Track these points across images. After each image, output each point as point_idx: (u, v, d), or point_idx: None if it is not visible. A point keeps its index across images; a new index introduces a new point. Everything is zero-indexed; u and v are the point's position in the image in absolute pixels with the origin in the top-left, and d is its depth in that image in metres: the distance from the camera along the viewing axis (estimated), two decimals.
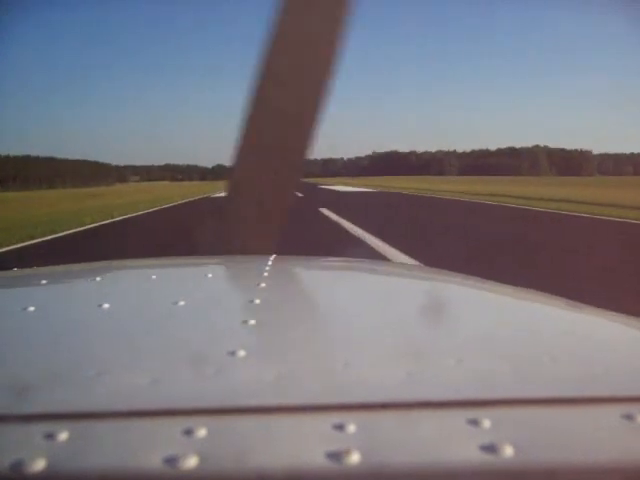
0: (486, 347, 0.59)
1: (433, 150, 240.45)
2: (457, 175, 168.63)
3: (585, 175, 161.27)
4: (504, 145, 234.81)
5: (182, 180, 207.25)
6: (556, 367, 0.53)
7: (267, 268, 0.98)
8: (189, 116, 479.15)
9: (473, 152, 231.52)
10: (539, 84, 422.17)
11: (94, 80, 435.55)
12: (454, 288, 1.04)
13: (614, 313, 0.81)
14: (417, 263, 6.37)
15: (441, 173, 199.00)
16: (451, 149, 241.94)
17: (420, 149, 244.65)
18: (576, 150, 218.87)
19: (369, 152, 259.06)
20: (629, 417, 0.41)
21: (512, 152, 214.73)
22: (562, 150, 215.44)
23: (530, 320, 0.77)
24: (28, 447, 0.37)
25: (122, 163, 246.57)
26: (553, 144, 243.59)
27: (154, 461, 0.35)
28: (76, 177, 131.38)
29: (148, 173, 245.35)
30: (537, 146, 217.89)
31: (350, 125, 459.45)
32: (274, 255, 1.15)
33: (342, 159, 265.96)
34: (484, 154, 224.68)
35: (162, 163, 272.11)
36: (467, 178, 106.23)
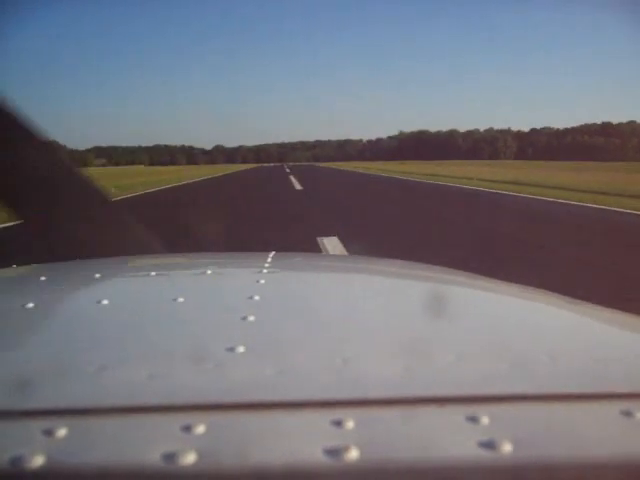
0: (485, 344, 0.59)
1: (481, 129, 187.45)
2: (513, 159, 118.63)
3: None
4: (577, 123, 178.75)
5: (166, 164, 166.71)
6: (555, 364, 0.52)
7: (266, 265, 0.98)
8: (182, 93, 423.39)
9: (533, 131, 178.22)
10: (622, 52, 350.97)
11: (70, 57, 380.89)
12: (454, 285, 1.04)
13: (612, 310, 0.81)
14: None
15: (493, 157, 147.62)
16: (504, 127, 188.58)
17: (462, 128, 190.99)
18: None
19: (394, 132, 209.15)
20: (628, 413, 0.41)
21: (606, 130, 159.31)
22: None
23: (529, 317, 0.77)
24: (27, 443, 0.37)
25: (105, 143, 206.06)
26: None
27: (153, 457, 0.36)
28: None
29: (130, 155, 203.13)
30: (634, 122, 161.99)
31: (370, 100, 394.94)
32: (273, 252, 1.16)
33: (361, 141, 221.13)
34: (550, 133, 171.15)
35: (150, 144, 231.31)
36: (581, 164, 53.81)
